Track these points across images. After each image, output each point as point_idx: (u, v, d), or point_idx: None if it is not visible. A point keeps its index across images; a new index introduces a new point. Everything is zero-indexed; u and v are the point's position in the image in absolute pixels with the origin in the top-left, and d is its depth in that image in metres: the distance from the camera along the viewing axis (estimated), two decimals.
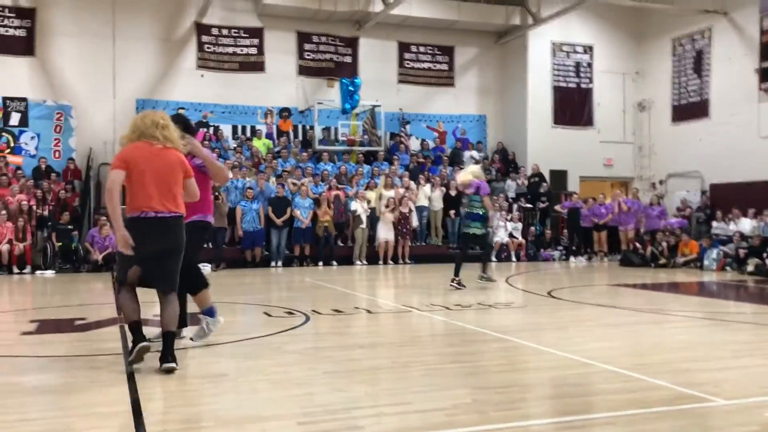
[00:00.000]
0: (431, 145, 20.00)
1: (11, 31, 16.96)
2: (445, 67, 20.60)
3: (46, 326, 6.97)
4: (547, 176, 19.33)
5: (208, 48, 18.48)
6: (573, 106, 20.37)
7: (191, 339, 5.66)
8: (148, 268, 4.83)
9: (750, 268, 14.12)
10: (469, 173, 10.62)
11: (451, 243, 17.30)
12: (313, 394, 4.31)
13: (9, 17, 16.95)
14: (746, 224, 15.90)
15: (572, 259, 17.43)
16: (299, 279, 12.63)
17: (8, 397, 4.26)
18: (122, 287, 4.96)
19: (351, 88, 17.85)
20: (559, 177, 19.92)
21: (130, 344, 4.99)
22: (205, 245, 5.87)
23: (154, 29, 18.08)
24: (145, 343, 4.81)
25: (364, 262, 15.88)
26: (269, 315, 7.55)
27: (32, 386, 4.58)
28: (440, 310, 8.14)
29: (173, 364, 4.73)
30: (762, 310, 9.36)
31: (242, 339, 6.19)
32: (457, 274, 10.18)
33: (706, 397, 4.11)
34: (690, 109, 19.23)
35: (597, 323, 7.43)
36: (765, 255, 14.18)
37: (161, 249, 4.82)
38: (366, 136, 19.05)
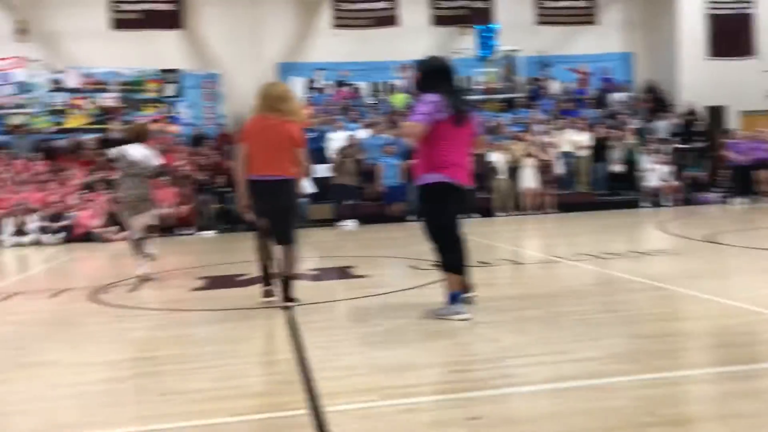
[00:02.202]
0: (573, 87, 19.22)
1: (161, 6, 18.01)
2: (586, 3, 19.52)
3: (213, 282, 7.52)
4: (702, 113, 18.05)
5: (343, 6, 18.68)
6: (730, 34, 18.71)
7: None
8: (270, 223, 5.66)
9: None
10: None
11: (598, 190, 16.68)
12: (465, 343, 4.37)
13: None
14: None
15: (732, 201, 16.25)
16: None
17: (186, 347, 4.67)
18: (257, 236, 5.84)
19: (487, 34, 17.43)
20: (717, 114, 18.51)
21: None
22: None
23: None
24: (268, 288, 5.83)
25: (506, 212, 15.70)
26: (416, 268, 7.69)
27: (206, 337, 4.99)
28: (589, 259, 7.91)
29: (291, 303, 5.62)
30: None
31: (391, 291, 6.36)
32: None
33: None
34: None
35: (764, 268, 6.92)
36: None
37: (270, 208, 5.60)
38: (505, 83, 18.62)
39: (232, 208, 15.19)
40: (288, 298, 5.70)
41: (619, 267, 7.26)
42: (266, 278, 5.85)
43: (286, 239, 5.69)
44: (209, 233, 14.59)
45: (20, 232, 13.97)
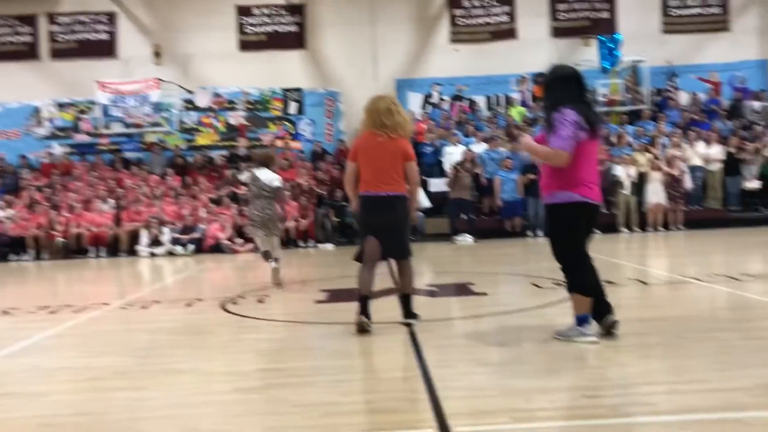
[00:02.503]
0: (703, 98, 18.26)
1: (285, 28, 18.76)
2: (717, 9, 18.56)
3: (335, 295, 7.66)
4: None
5: (461, 21, 18.70)
6: None
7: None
8: (380, 241, 5.53)
9: None
10: None
11: (731, 206, 15.73)
12: (594, 368, 4.21)
13: (283, 14, 18.77)
14: None
15: None
16: None
17: (312, 360, 4.78)
18: (362, 264, 5.61)
19: (610, 44, 16.90)
20: None
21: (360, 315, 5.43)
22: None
23: (408, 10, 18.79)
24: (365, 320, 5.37)
25: (630, 229, 15.08)
26: (537, 286, 7.51)
27: (330, 351, 5.07)
28: (725, 280, 7.44)
29: (411, 320, 5.63)
30: None
31: (513, 310, 6.24)
32: None
33: None
34: None
35: None
36: None
37: (380, 223, 5.51)
38: (628, 95, 17.97)
39: (351, 222, 15.52)
40: (408, 314, 5.71)
41: (758, 289, 6.80)
42: (364, 307, 5.43)
43: (401, 254, 5.66)
44: (328, 246, 14.92)
45: (155, 243, 14.87)
